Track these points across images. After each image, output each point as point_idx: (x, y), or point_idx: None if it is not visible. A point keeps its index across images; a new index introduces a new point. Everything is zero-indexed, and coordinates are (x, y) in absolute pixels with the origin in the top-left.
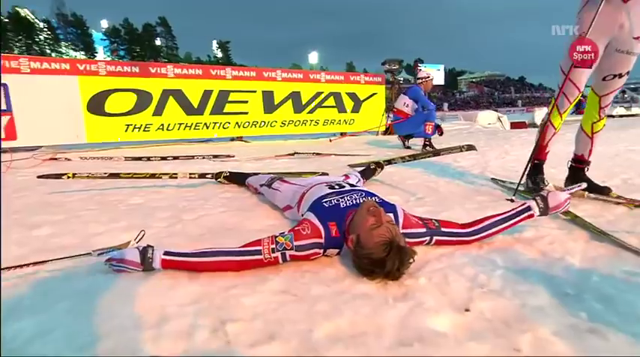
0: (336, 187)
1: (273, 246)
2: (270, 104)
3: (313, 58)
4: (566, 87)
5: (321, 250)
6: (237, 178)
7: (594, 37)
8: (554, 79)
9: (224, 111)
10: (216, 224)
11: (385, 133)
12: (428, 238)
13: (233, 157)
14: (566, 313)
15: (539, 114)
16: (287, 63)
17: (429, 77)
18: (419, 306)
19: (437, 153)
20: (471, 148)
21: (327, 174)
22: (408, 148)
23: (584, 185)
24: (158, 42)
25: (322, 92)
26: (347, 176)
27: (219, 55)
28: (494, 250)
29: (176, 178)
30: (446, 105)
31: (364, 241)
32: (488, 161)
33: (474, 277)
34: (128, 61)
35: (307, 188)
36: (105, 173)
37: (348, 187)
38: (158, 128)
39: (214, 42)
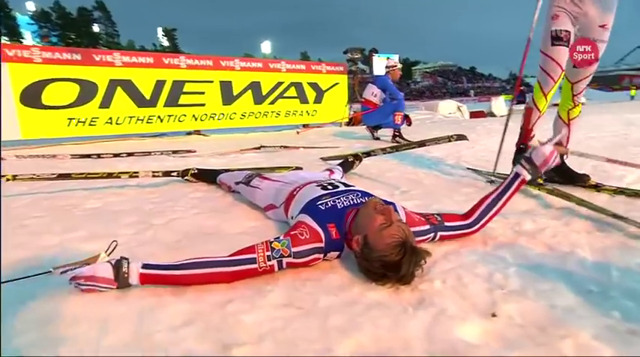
0: (330, 187)
1: (269, 253)
2: (228, 95)
3: (266, 47)
4: (547, 65)
5: (322, 255)
6: (207, 176)
7: (564, 21)
8: (503, 70)
9: (179, 103)
10: (192, 228)
11: (349, 124)
12: (432, 234)
13: (194, 152)
14: (599, 313)
15: (496, 103)
16: (239, 52)
17: (396, 66)
18: (441, 313)
19: (422, 144)
20: (461, 138)
21: (301, 168)
22: (377, 139)
23: (564, 131)
24: (96, 28)
25: (283, 82)
26: (331, 171)
27: (166, 43)
28: (501, 246)
29: (137, 177)
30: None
31: (373, 242)
32: (459, 151)
33: (489, 277)
34: (68, 47)
35: (295, 188)
36: (53, 174)
37: (342, 187)
38: (106, 122)
39: (159, 29)
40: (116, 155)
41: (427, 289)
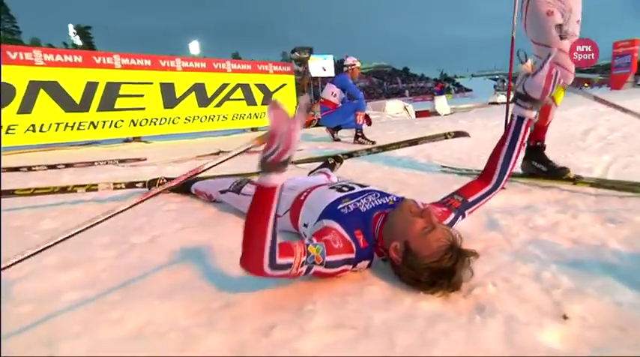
0: (345, 189)
1: (304, 258)
2: (170, 98)
3: (194, 48)
4: (563, 59)
5: (351, 267)
6: (177, 186)
7: (559, 16)
8: (434, 70)
9: (115, 107)
10: (184, 245)
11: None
12: (460, 218)
13: (145, 160)
14: None
15: (439, 102)
16: (163, 54)
17: (355, 64)
18: (512, 320)
19: (414, 142)
20: (460, 134)
21: None
22: (337, 140)
23: (555, 52)
24: None
25: (229, 84)
26: (328, 175)
27: (79, 42)
28: (526, 244)
29: (96, 190)
30: None
31: (418, 248)
32: (425, 149)
33: (537, 277)
34: None
35: (301, 193)
36: None
37: (358, 188)
38: (27, 129)
39: (71, 26)
40: (51, 167)
41: (481, 294)
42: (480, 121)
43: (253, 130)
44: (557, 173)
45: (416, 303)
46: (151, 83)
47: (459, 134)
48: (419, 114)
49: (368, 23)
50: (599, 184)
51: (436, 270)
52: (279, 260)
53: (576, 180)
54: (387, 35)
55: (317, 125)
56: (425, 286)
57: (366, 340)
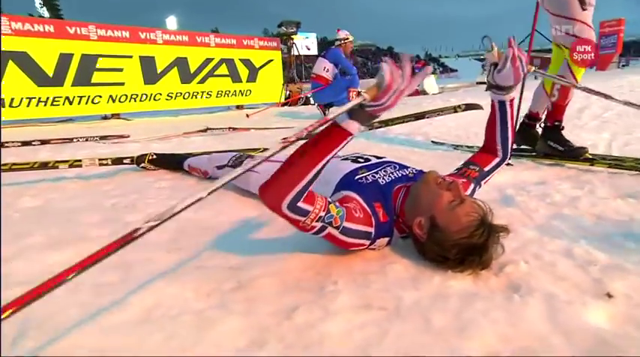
0: (361, 160)
1: (322, 214)
2: (151, 73)
3: (172, 23)
4: (584, 31)
5: (368, 243)
6: (169, 162)
7: None
8: (419, 49)
9: (92, 81)
10: (182, 224)
11: (285, 104)
12: (478, 188)
13: (128, 137)
14: None
15: (428, 81)
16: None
17: (348, 38)
18: (552, 299)
19: (421, 116)
20: (472, 107)
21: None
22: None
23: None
24: None
25: (213, 59)
26: None
27: (46, 14)
28: (549, 219)
29: (80, 166)
30: None
31: (446, 224)
32: (421, 127)
33: (569, 253)
34: None
35: None
36: None
37: (374, 159)
38: None
39: None
40: (25, 143)
41: (513, 271)
42: (471, 99)
43: (239, 107)
44: (574, 153)
45: (445, 282)
46: (130, 57)
47: (470, 107)
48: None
49: (352, 0)
50: (618, 164)
51: (466, 247)
52: (300, 204)
53: (594, 161)
54: (370, 13)
55: (305, 103)
56: (453, 264)
57: (398, 321)
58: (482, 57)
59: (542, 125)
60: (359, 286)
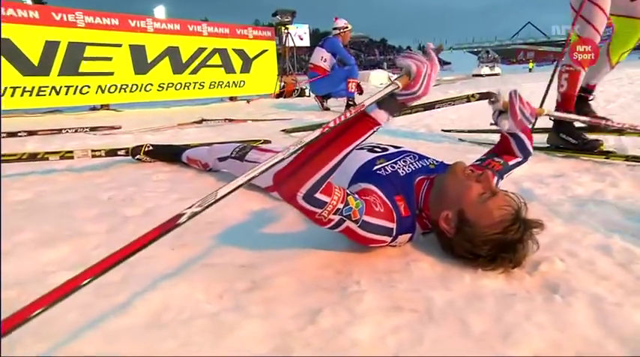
0: (378, 149)
1: (340, 206)
2: (141, 63)
3: (160, 13)
4: (591, 13)
5: (390, 239)
6: (166, 153)
7: None
8: (412, 42)
9: (80, 71)
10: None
11: (279, 96)
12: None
13: (119, 128)
14: None
15: None
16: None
17: (347, 27)
18: (598, 300)
19: (431, 106)
20: (486, 96)
21: (269, 142)
22: (327, 109)
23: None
24: None
25: (205, 48)
26: None
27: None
28: (574, 214)
29: (71, 158)
30: None
31: (476, 218)
32: (422, 119)
33: (606, 249)
34: None
35: None
36: None
37: (392, 149)
38: None
39: None
40: (11, 134)
41: (549, 270)
42: (470, 91)
43: (232, 99)
44: (588, 146)
45: (477, 281)
46: (120, 45)
47: (485, 96)
48: None
49: None
50: (636, 157)
51: (500, 243)
52: (318, 195)
53: (609, 154)
54: (364, 3)
55: (300, 95)
56: (484, 262)
57: (432, 324)
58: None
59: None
60: (384, 286)
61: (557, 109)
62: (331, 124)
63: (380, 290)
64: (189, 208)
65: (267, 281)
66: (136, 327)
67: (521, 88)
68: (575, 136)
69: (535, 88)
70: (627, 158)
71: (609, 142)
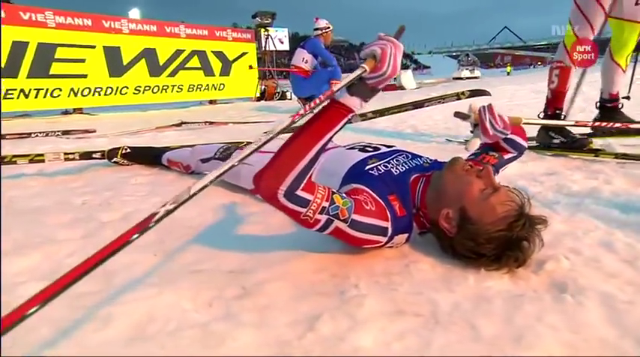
0: (369, 149)
1: (326, 204)
2: (116, 65)
3: (134, 15)
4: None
5: (385, 240)
6: (144, 156)
7: None
8: None
9: (50, 73)
10: (166, 223)
11: (260, 99)
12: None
13: (94, 132)
14: None
15: (405, 77)
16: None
17: (329, 28)
18: (609, 299)
19: (420, 104)
20: (479, 93)
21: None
22: (311, 112)
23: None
24: None
25: (184, 50)
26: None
27: None
28: (572, 211)
29: (42, 161)
30: None
31: (478, 215)
32: (406, 120)
33: (610, 247)
34: None
35: None
36: None
37: (383, 148)
38: None
39: None
40: None
41: (555, 268)
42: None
43: (211, 102)
44: (577, 144)
45: (482, 282)
46: (94, 47)
47: (476, 93)
48: (385, 88)
49: None
50: (625, 154)
51: (505, 241)
52: (299, 192)
53: (599, 152)
54: (341, 7)
55: (281, 98)
56: (487, 261)
57: (439, 328)
58: (454, 54)
59: (542, 115)
60: (384, 289)
61: (546, 106)
62: (301, 112)
63: (380, 294)
64: (163, 206)
65: (258, 287)
66: (117, 340)
67: (502, 91)
68: (564, 134)
69: (514, 91)
70: (617, 156)
71: (597, 140)
